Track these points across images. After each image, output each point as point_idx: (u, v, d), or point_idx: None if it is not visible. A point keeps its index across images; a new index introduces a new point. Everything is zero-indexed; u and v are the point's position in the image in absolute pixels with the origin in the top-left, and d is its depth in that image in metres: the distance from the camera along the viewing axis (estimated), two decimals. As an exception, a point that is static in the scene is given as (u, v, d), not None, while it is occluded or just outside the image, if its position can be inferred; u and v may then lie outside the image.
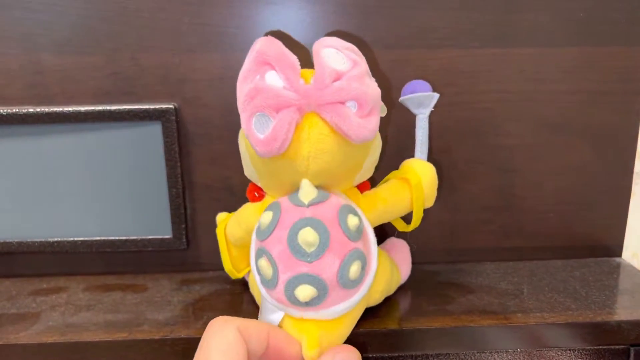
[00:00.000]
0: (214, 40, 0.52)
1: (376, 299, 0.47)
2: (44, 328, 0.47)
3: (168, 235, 0.56)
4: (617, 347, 0.49)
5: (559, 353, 0.49)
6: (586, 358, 0.49)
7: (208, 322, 0.34)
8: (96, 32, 0.52)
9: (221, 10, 0.51)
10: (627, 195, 0.58)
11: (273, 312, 0.40)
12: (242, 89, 0.36)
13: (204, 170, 0.55)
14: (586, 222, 0.59)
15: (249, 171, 0.43)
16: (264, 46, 0.36)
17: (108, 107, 0.53)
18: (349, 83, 0.36)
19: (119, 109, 0.53)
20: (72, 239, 0.56)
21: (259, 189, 0.45)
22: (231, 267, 0.49)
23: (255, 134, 0.36)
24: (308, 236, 0.36)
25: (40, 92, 0.53)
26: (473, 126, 0.55)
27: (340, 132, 0.36)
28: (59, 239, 0.56)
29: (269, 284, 0.38)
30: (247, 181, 0.55)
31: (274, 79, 0.36)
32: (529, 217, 0.58)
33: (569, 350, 0.49)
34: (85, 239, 0.56)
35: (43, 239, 0.56)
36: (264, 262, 0.38)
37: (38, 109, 0.52)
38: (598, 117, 0.56)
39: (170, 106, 0.53)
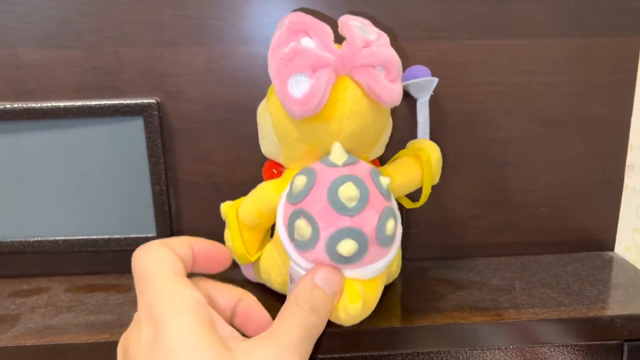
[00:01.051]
0: (198, 33, 0.51)
1: (392, 272, 0.48)
2: (23, 330, 0.46)
3: (152, 233, 0.55)
4: (610, 342, 0.48)
5: (552, 349, 0.48)
6: (579, 354, 0.48)
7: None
8: (76, 25, 0.50)
9: (205, 2, 0.50)
10: (619, 188, 0.57)
11: None
12: (276, 54, 0.38)
13: (188, 166, 0.54)
14: (578, 216, 0.58)
15: (271, 145, 0.44)
16: (297, 16, 0.38)
17: (88, 103, 0.51)
18: (379, 48, 0.39)
19: (100, 104, 0.51)
20: (53, 238, 0.55)
21: (278, 166, 0.45)
22: (244, 250, 0.47)
23: (292, 95, 0.37)
24: (350, 191, 0.37)
25: (18, 88, 0.51)
26: (464, 119, 0.54)
27: (372, 94, 0.39)
28: (40, 239, 0.55)
29: (307, 244, 0.38)
30: (233, 177, 0.54)
31: (309, 44, 0.38)
32: (521, 211, 0.58)
33: (562, 346, 0.48)
34: (67, 238, 0.55)
35: (23, 239, 0.55)
36: (302, 223, 0.38)
37: (16, 105, 0.51)
38: (590, 109, 0.55)
39: (153, 101, 0.51)
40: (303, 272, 0.39)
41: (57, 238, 0.55)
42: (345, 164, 0.39)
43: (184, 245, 0.35)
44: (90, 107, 0.51)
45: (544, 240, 0.59)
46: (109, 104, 0.51)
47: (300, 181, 0.39)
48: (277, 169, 0.46)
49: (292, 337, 0.32)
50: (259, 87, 0.52)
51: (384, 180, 0.40)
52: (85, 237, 0.55)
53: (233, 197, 0.55)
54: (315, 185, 0.38)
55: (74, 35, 0.50)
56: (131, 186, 0.54)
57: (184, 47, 0.51)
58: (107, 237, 0.55)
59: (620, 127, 0.56)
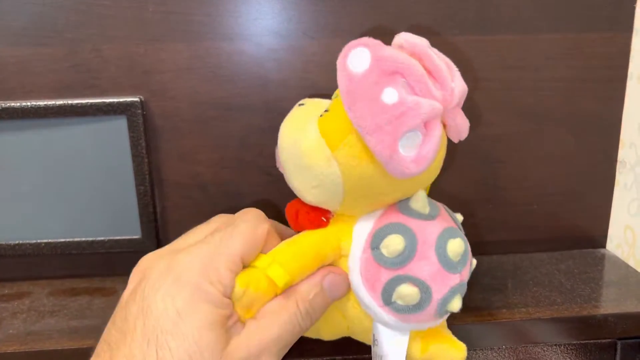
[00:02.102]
0: (181, 29, 0.50)
1: None
2: (3, 336, 0.45)
3: (137, 235, 0.54)
4: (604, 341, 0.48)
5: (545, 349, 0.48)
6: (573, 353, 0.48)
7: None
8: (55, 21, 0.49)
9: (188, -3, 0.49)
10: (610, 184, 0.57)
11: (397, 338, 0.38)
12: (372, 104, 0.31)
13: (173, 166, 0.53)
14: (570, 213, 0.58)
15: (327, 195, 0.36)
16: (384, 51, 0.32)
17: (69, 101, 0.50)
18: (462, 83, 0.36)
19: (81, 103, 0.50)
20: (35, 241, 0.53)
21: (326, 212, 0.39)
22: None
23: (403, 155, 0.32)
24: (459, 247, 0.36)
25: (-4, 86, 0.50)
26: (453, 116, 0.53)
27: (456, 134, 0.38)
28: (21, 242, 0.53)
29: (414, 308, 0.35)
30: (220, 177, 0.53)
31: (405, 90, 0.32)
32: (512, 209, 0.57)
33: (555, 345, 0.48)
34: (49, 240, 0.53)
35: (4, 242, 0.53)
36: (409, 289, 0.35)
37: (-6, 104, 0.49)
38: (581, 105, 0.54)
39: (136, 99, 0.50)
40: (394, 334, 0.38)
41: (39, 241, 0.53)
42: (434, 215, 0.37)
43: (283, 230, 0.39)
44: (71, 106, 0.50)
45: (536, 238, 0.58)
46: (91, 103, 0.50)
47: (398, 243, 0.35)
48: (326, 217, 0.39)
49: (273, 335, 0.33)
50: (245, 84, 0.51)
51: (460, 218, 0.40)
52: (68, 240, 0.54)
53: (219, 198, 0.54)
54: (419, 246, 0.35)
55: (53, 32, 0.49)
56: (115, 187, 0.53)
57: (167, 43, 0.50)
58: (90, 239, 0.54)
59: (611, 123, 0.55)
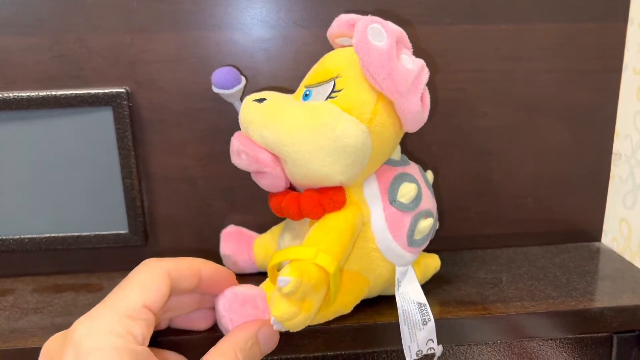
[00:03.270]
0: (168, 19, 0.48)
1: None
2: (-13, 336, 0.43)
3: (124, 230, 0.52)
4: (599, 335, 0.47)
5: (541, 343, 0.47)
6: (568, 347, 0.47)
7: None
8: (39, 10, 0.48)
9: (175, -14, 0.48)
10: (605, 177, 0.56)
11: (410, 273, 0.45)
12: (399, 69, 0.37)
13: (160, 159, 0.52)
14: (565, 206, 0.57)
15: (355, 170, 0.39)
16: (389, 25, 0.38)
17: (54, 93, 0.49)
18: None
19: (66, 94, 0.49)
20: (18, 236, 0.52)
21: (341, 190, 0.40)
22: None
23: (422, 107, 0.39)
24: (431, 179, 0.47)
25: (-23, 77, 0.49)
26: (446, 107, 0.53)
27: None
28: (4, 237, 0.52)
29: (427, 237, 0.44)
30: (209, 171, 0.52)
31: (408, 54, 0.40)
32: (507, 202, 0.56)
33: (551, 340, 0.47)
34: (34, 236, 0.52)
35: (-14, 238, 0.52)
36: (426, 222, 0.42)
37: (-24, 96, 0.48)
38: (576, 96, 0.54)
39: (122, 90, 0.49)
40: (410, 270, 0.45)
41: (23, 236, 0.52)
42: (407, 160, 0.46)
43: (192, 273, 0.37)
44: (55, 97, 0.49)
45: (530, 232, 0.57)
46: (76, 94, 0.49)
47: (412, 189, 0.41)
48: (341, 195, 0.40)
49: None
50: (234, 75, 0.50)
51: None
52: (53, 235, 0.52)
53: (209, 191, 0.53)
54: (422, 187, 0.43)
55: (36, 21, 0.48)
56: (101, 181, 0.51)
57: (154, 33, 0.49)
58: (76, 234, 0.52)
59: (606, 115, 0.55)
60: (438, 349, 0.43)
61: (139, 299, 0.33)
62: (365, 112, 0.38)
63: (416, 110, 0.38)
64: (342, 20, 0.41)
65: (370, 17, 0.38)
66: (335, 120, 0.37)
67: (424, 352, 0.43)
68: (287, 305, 0.35)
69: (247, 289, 0.39)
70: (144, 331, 0.32)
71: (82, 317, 0.32)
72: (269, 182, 0.40)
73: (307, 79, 0.42)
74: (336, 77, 0.39)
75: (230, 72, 0.43)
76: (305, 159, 0.38)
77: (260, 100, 0.39)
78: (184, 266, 0.36)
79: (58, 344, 0.32)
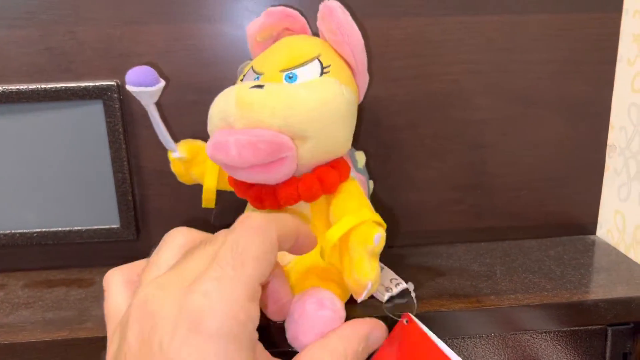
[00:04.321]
0: (159, 10, 0.48)
1: None
2: (-21, 329, 0.43)
3: (116, 224, 0.52)
4: (594, 327, 0.47)
5: (535, 336, 0.47)
6: (563, 340, 0.47)
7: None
8: (28, 2, 0.47)
9: (166, -23, 0.47)
10: (600, 169, 0.56)
11: None
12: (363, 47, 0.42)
13: (152, 153, 0.51)
14: (559, 199, 0.57)
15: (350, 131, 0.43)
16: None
17: (43, 86, 0.48)
18: None
19: (56, 88, 0.48)
20: (9, 231, 0.52)
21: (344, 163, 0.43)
22: None
23: None
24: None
25: (-34, 71, 0.48)
26: (440, 100, 0.53)
27: None
28: (-6, 232, 0.52)
29: None
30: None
31: None
32: (501, 195, 0.56)
33: (545, 332, 0.47)
34: (24, 231, 0.52)
35: (-24, 233, 0.51)
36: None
37: (-35, 89, 0.48)
38: (570, 87, 0.53)
39: (112, 83, 0.49)
40: None
41: (13, 231, 0.52)
42: None
43: (292, 234, 0.31)
44: (45, 90, 0.48)
45: (525, 225, 0.57)
46: (66, 87, 0.48)
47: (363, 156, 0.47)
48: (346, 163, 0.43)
49: None
50: (226, 67, 0.49)
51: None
52: (44, 230, 0.52)
53: (200, 185, 0.52)
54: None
55: (25, 14, 0.47)
56: (92, 175, 0.51)
57: (145, 25, 0.48)
58: (67, 229, 0.52)
59: (601, 106, 0.54)
60: (409, 285, 0.44)
61: (256, 276, 0.28)
62: (351, 83, 0.42)
63: (367, 81, 0.44)
64: (276, 12, 0.43)
65: (320, 5, 0.41)
66: (340, 88, 0.40)
67: (394, 290, 0.43)
68: (376, 264, 0.38)
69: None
70: (257, 312, 0.28)
71: (195, 283, 0.27)
72: (288, 168, 0.38)
73: (280, 64, 0.40)
74: (318, 55, 0.41)
75: (150, 70, 0.41)
76: (331, 130, 0.39)
77: (259, 86, 0.38)
78: (288, 229, 0.31)
79: (168, 309, 0.27)
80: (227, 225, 0.29)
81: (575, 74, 0.53)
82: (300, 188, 0.39)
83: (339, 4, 0.41)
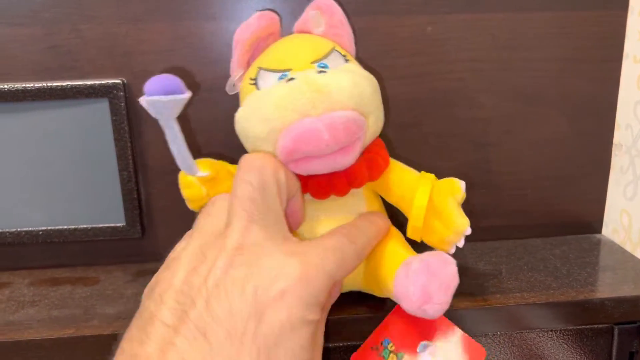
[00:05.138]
0: (163, 9, 0.48)
1: None
2: (-14, 327, 0.43)
3: (121, 222, 0.52)
4: (600, 326, 0.47)
5: (541, 335, 0.47)
6: (569, 339, 0.47)
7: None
8: (32, 1, 0.47)
9: (170, -24, 0.48)
10: (606, 168, 0.56)
11: None
12: None
13: (158, 151, 0.51)
14: (565, 197, 0.57)
15: None
16: None
17: (49, 84, 0.48)
18: None
19: (61, 86, 0.48)
20: (15, 229, 0.52)
21: None
22: None
23: None
24: None
25: (-29, 69, 0.48)
26: (444, 98, 0.52)
27: None
28: (1, 230, 0.52)
29: None
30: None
31: None
32: (506, 194, 0.56)
33: (551, 331, 0.47)
34: (30, 229, 0.52)
35: (-18, 231, 0.51)
36: None
37: (-29, 88, 0.48)
38: (575, 85, 0.53)
39: (118, 81, 0.49)
40: None
41: (19, 229, 0.52)
42: None
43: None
44: (51, 88, 0.48)
45: (530, 224, 0.57)
46: (72, 85, 0.48)
47: None
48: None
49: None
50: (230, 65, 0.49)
51: None
52: (49, 228, 0.52)
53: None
54: None
55: (29, 12, 0.47)
56: (97, 173, 0.51)
57: (149, 23, 0.48)
58: (73, 227, 0.52)
59: (606, 105, 0.54)
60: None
61: (335, 272, 0.33)
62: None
63: None
64: (267, 16, 0.42)
65: (317, 2, 0.43)
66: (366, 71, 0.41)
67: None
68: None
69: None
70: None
71: (298, 256, 0.32)
72: (360, 147, 0.39)
73: (308, 57, 0.40)
74: (334, 47, 0.42)
75: (173, 78, 0.35)
76: (380, 105, 0.41)
77: (321, 72, 0.38)
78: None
79: (271, 259, 0.31)
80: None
81: (580, 72, 0.53)
82: (351, 176, 0.40)
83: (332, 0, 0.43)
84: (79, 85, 0.48)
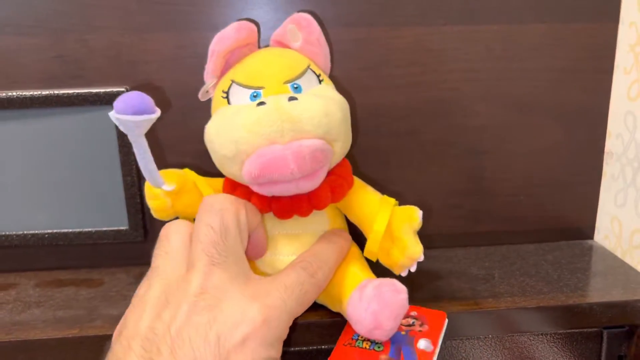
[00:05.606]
0: (166, 19, 0.49)
1: None
2: (-9, 327, 0.44)
3: (124, 226, 0.53)
4: (589, 330, 0.48)
5: (531, 338, 0.48)
6: (559, 342, 0.48)
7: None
8: (39, 11, 0.49)
9: (174, -13, 0.49)
10: (598, 175, 0.57)
11: None
12: None
13: (160, 157, 0.52)
14: (557, 204, 0.58)
15: None
16: None
17: (55, 92, 0.50)
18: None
19: (68, 94, 0.50)
20: (21, 232, 0.53)
21: None
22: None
23: None
24: None
25: (-20, 77, 0.50)
26: (440, 106, 0.54)
27: None
28: (7, 233, 0.53)
29: None
30: (206, 168, 0.53)
31: None
32: (500, 200, 0.57)
33: (542, 335, 0.48)
34: (36, 232, 0.53)
35: (-10, 233, 0.53)
36: None
37: (-20, 95, 0.49)
38: (568, 95, 0.54)
39: (122, 89, 0.50)
40: None
41: (25, 232, 0.53)
42: None
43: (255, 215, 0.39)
44: (57, 96, 0.50)
45: (523, 230, 0.58)
46: (77, 93, 0.50)
47: None
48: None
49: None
50: (232, 74, 0.51)
51: None
52: (55, 231, 0.53)
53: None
54: None
55: (36, 22, 0.49)
56: (102, 178, 0.52)
57: (152, 33, 0.50)
58: (77, 230, 0.53)
59: (598, 114, 0.55)
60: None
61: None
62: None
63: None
64: (246, 27, 0.42)
65: (296, 17, 0.43)
66: (339, 94, 0.42)
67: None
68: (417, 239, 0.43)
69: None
70: None
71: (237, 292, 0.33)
72: (325, 172, 0.40)
73: (282, 76, 0.40)
74: (308, 65, 0.42)
75: (144, 96, 0.37)
76: (348, 130, 0.42)
77: (292, 98, 0.38)
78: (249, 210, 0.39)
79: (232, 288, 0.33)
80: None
81: (572, 82, 0.54)
82: (313, 199, 0.41)
83: (310, 16, 0.43)
84: (85, 93, 0.50)
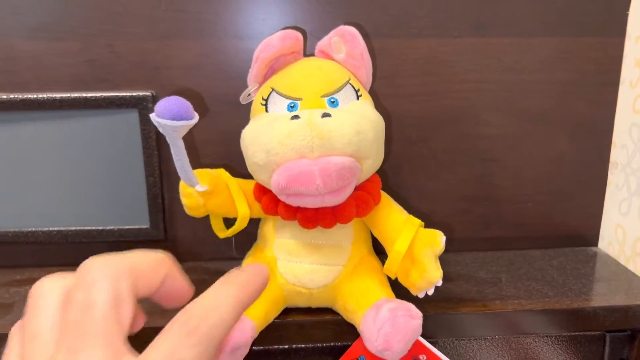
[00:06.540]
0: (191, 27, 0.52)
1: None
2: (15, 319, 0.45)
3: (145, 225, 0.55)
4: (593, 333, 0.49)
5: (536, 339, 0.49)
6: (563, 344, 0.50)
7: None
8: (70, 17, 0.51)
9: (199, -3, 0.51)
10: (603, 184, 0.59)
11: None
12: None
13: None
14: (563, 212, 0.59)
15: None
16: None
17: (84, 95, 0.52)
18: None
19: (95, 96, 0.52)
20: (46, 229, 0.55)
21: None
22: None
23: None
24: None
25: (12, 79, 0.52)
26: (451, 116, 0.55)
27: None
28: (33, 229, 0.55)
29: None
30: (226, 170, 0.55)
31: None
32: (508, 207, 0.59)
33: (546, 336, 0.49)
34: (61, 229, 0.55)
35: (17, 229, 0.55)
36: None
37: (12, 96, 0.51)
38: (575, 107, 0.56)
39: (147, 93, 0.52)
40: None
41: (51, 229, 0.55)
42: None
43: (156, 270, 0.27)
44: (85, 98, 0.52)
45: (530, 236, 0.60)
46: (105, 96, 0.52)
47: None
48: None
49: None
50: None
51: None
52: (79, 228, 0.55)
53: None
54: None
55: (68, 27, 0.51)
56: (125, 178, 0.54)
57: (177, 40, 0.52)
58: (100, 228, 0.55)
59: (604, 125, 0.57)
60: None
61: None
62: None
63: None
64: (291, 36, 0.43)
65: (341, 29, 0.44)
66: (374, 109, 0.43)
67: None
68: (439, 264, 0.43)
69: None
70: None
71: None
72: (352, 188, 0.40)
73: (320, 89, 0.42)
74: (349, 80, 0.43)
75: (185, 102, 0.38)
76: (380, 148, 0.43)
77: (327, 115, 0.39)
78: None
79: None
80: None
81: (579, 95, 0.56)
82: (338, 213, 0.41)
83: (356, 30, 0.43)
84: (112, 96, 0.52)
